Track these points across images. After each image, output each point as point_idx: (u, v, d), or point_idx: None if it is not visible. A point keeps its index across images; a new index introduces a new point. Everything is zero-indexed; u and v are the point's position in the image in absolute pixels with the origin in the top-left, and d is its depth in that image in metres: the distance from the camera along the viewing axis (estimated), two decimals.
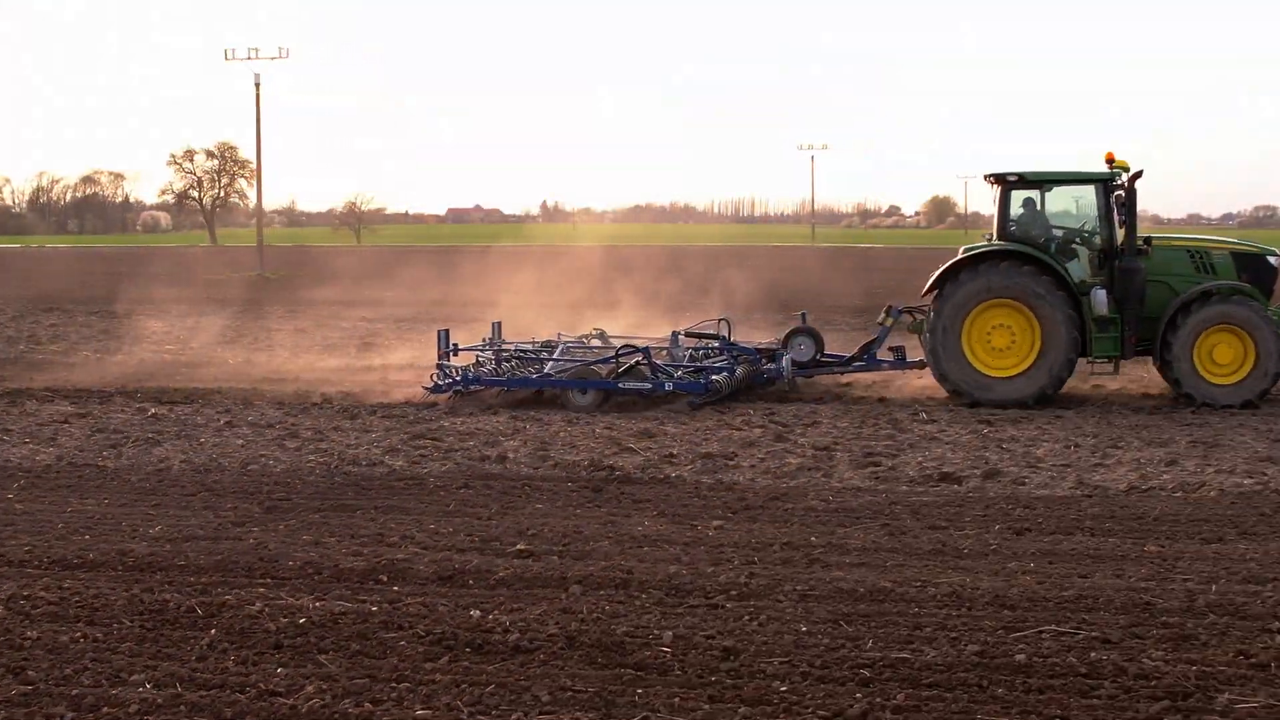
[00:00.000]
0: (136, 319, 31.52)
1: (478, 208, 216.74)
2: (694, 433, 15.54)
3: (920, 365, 18.99)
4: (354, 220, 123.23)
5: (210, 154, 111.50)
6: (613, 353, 18.41)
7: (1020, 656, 7.67)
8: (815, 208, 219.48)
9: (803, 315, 20.78)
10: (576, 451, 14.27)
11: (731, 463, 13.72)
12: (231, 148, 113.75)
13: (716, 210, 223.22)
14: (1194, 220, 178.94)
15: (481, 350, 19.00)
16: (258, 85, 57.05)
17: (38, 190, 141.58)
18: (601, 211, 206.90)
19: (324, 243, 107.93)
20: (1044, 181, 18.59)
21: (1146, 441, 15.06)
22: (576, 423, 16.27)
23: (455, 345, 18.90)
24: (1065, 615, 8.43)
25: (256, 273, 55.37)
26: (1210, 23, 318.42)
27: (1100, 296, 17.79)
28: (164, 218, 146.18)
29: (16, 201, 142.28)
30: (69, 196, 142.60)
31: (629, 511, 11.40)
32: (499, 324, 20.11)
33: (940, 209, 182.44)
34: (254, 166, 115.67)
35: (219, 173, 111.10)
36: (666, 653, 7.74)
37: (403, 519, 11.04)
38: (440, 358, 18.50)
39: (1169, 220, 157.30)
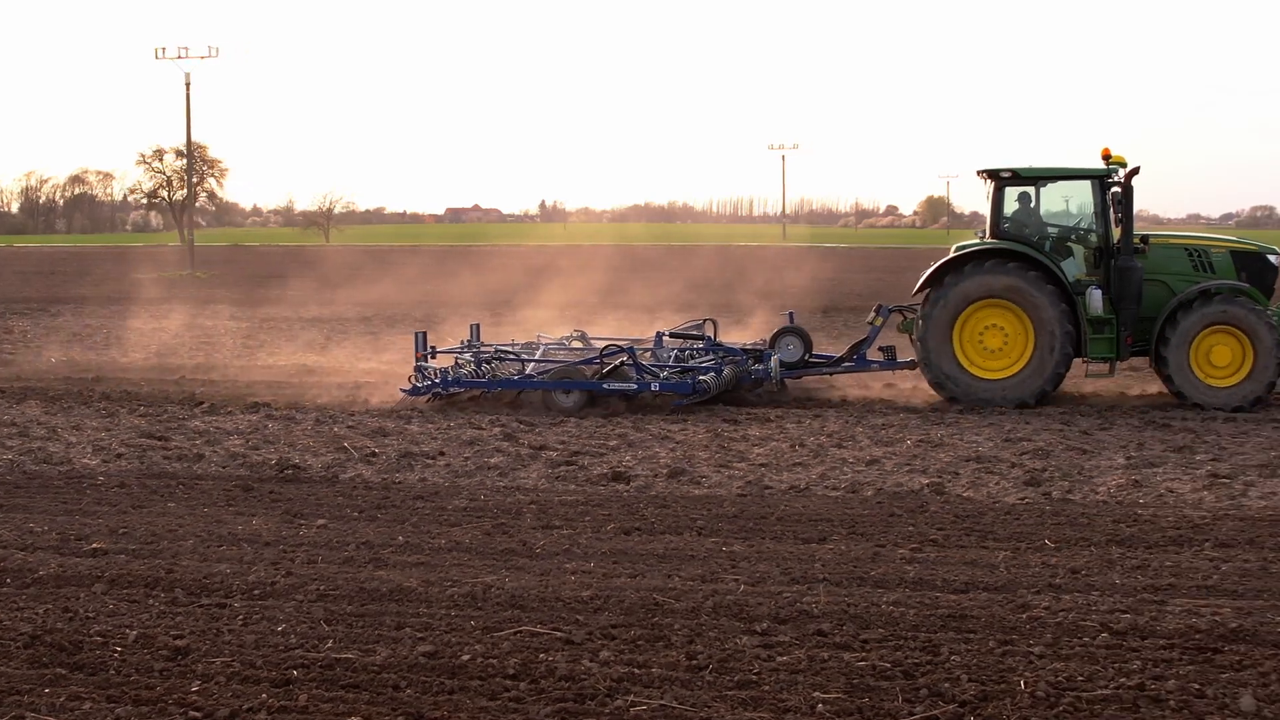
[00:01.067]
0: (7, 319, 31.67)
1: (476, 207, 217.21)
2: (432, 432, 15.46)
3: (911, 366, 18.55)
4: (323, 220, 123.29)
5: (179, 153, 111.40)
6: (595, 354, 17.92)
7: (465, 657, 7.60)
8: (814, 207, 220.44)
9: (790, 315, 20.18)
10: (288, 451, 14.22)
11: (429, 462, 13.65)
12: (201, 147, 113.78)
13: (715, 210, 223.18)
14: (1193, 220, 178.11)
15: (460, 352, 18.61)
16: (188, 85, 57.22)
17: (26, 190, 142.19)
18: (601, 211, 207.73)
19: (293, 242, 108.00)
20: (1038, 178, 18.11)
21: (875, 441, 14.97)
22: (324, 421, 16.23)
23: (433, 348, 18.48)
24: (561, 616, 8.36)
25: (186, 272, 55.46)
26: (1211, 22, 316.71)
27: (1095, 296, 17.37)
28: (155, 217, 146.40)
29: (5, 201, 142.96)
30: (58, 196, 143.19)
31: (255, 511, 11.34)
32: (477, 325, 19.71)
33: (935, 209, 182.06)
34: (223, 166, 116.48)
35: (188, 171, 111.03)
36: (118, 652, 7.69)
37: (13, 517, 11.01)
38: (418, 359, 18.04)
39: (1168, 220, 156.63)
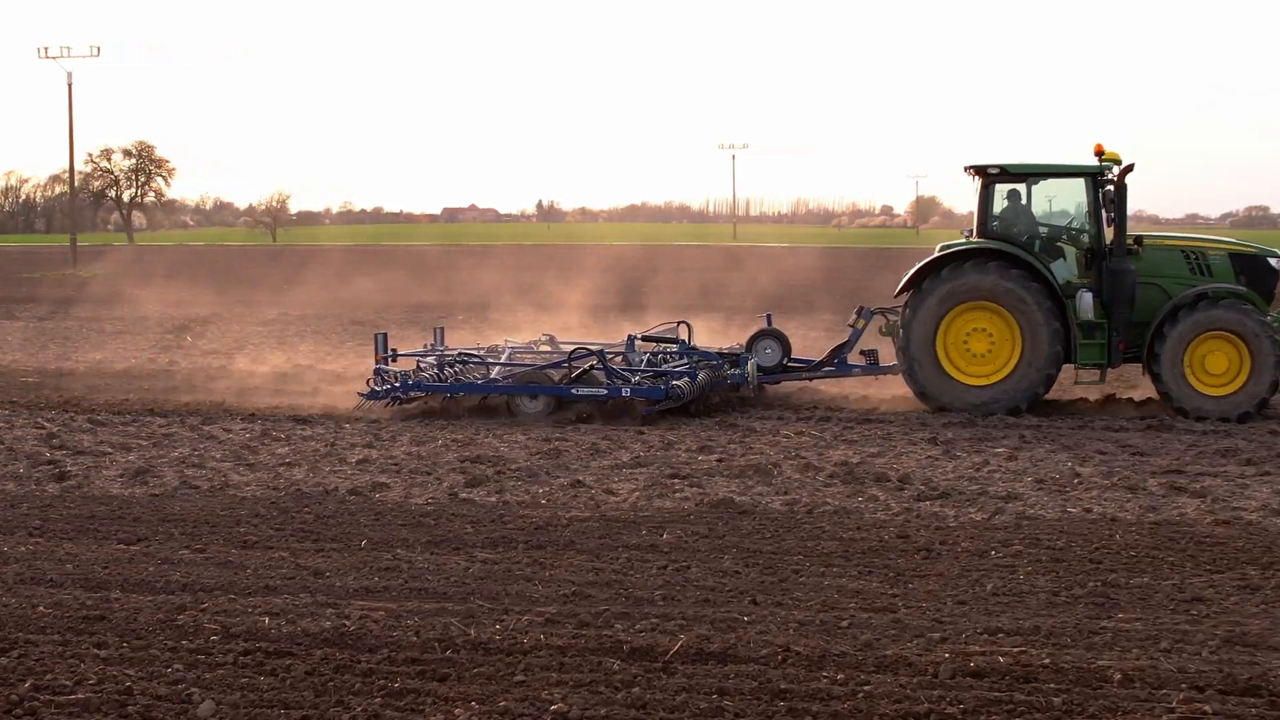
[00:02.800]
0: None
1: (473, 207, 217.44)
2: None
3: (895, 371, 17.60)
4: (270, 220, 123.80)
5: (128, 153, 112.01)
6: (564, 357, 17.22)
7: None
8: (809, 207, 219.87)
9: (768, 317, 19.32)
10: None
11: None
12: (149, 147, 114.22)
13: (713, 210, 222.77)
14: (1191, 220, 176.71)
15: (423, 356, 18.01)
16: (70, 85, 57.32)
17: (6, 190, 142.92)
18: (598, 211, 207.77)
19: (240, 242, 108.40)
20: (1028, 174, 17.32)
21: (413, 440, 14.87)
22: None
23: (394, 350, 17.87)
24: None
25: (70, 271, 55.85)
26: (1211, 22, 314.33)
27: (1086, 299, 16.63)
28: (137, 217, 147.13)
29: None
30: (38, 196, 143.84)
31: None
32: (441, 329, 19.32)
33: (926, 208, 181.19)
34: (170, 165, 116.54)
35: (136, 171, 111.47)
36: None
37: None
38: (378, 362, 17.40)
39: (1167, 220, 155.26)
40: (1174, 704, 6.91)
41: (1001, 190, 17.40)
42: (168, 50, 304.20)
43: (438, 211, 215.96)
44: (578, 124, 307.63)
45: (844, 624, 8.23)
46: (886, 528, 10.84)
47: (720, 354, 18.32)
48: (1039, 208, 17.58)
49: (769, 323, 19.00)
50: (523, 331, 22.35)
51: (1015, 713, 6.81)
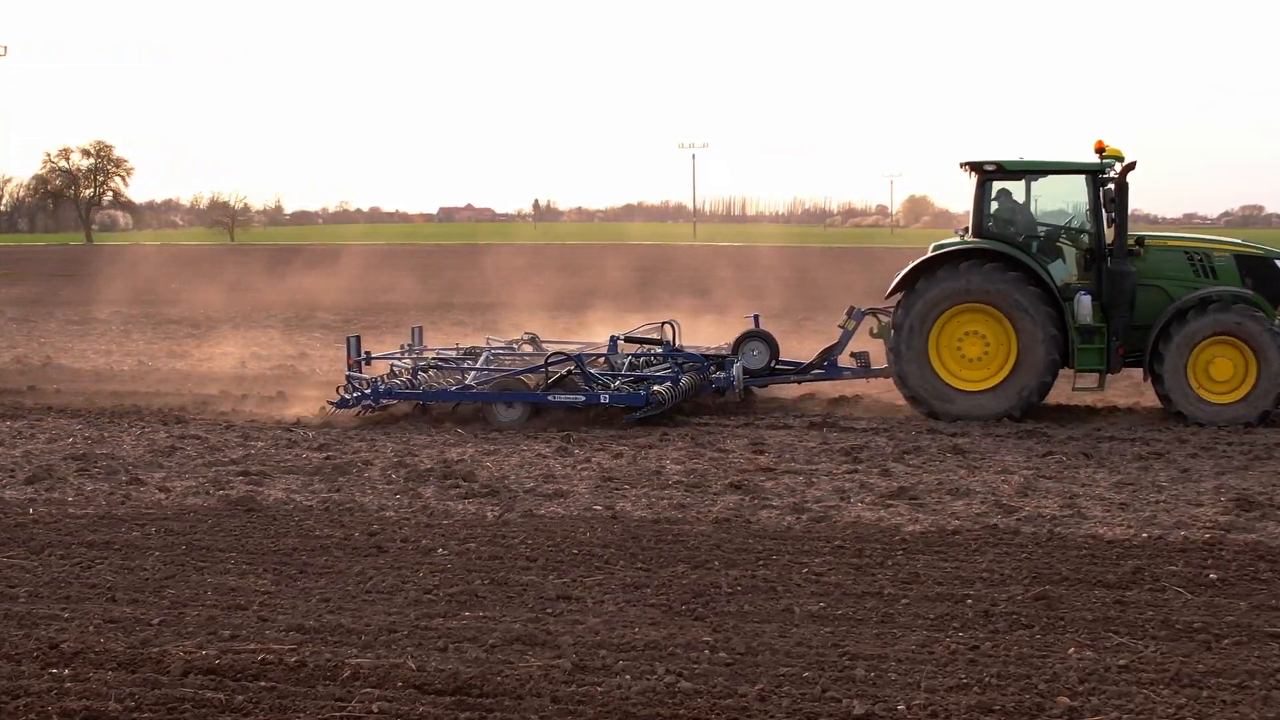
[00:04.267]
0: None
1: (469, 207, 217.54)
2: None
3: (886, 374, 17.10)
4: (227, 219, 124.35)
5: (86, 152, 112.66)
6: (542, 361, 16.53)
7: None
8: (807, 206, 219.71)
9: (755, 318, 18.53)
10: None
11: None
12: (107, 146, 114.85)
13: (708, 210, 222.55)
14: (1189, 219, 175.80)
15: (398, 359, 17.44)
16: None
17: None
18: (594, 210, 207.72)
19: (196, 241, 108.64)
20: (1025, 172, 16.76)
21: (134, 442, 14.78)
22: None
23: (368, 354, 17.13)
24: None
25: None
26: (1211, 22, 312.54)
27: (1084, 302, 16.07)
28: (122, 217, 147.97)
29: None
30: (24, 196, 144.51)
31: None
32: (419, 329, 18.82)
33: (918, 208, 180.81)
34: (129, 165, 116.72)
35: (95, 171, 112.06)
36: None
37: None
38: (350, 367, 16.65)
39: (1165, 220, 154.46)
40: (354, 700, 6.89)
41: (998, 188, 16.89)
42: (167, 50, 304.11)
43: (434, 211, 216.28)
44: (573, 124, 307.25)
45: (154, 621, 8.19)
46: (370, 525, 10.74)
47: (706, 356, 17.73)
48: (1036, 206, 17.05)
49: (756, 323, 18.25)
50: (502, 331, 21.98)
51: (179, 710, 6.78)
